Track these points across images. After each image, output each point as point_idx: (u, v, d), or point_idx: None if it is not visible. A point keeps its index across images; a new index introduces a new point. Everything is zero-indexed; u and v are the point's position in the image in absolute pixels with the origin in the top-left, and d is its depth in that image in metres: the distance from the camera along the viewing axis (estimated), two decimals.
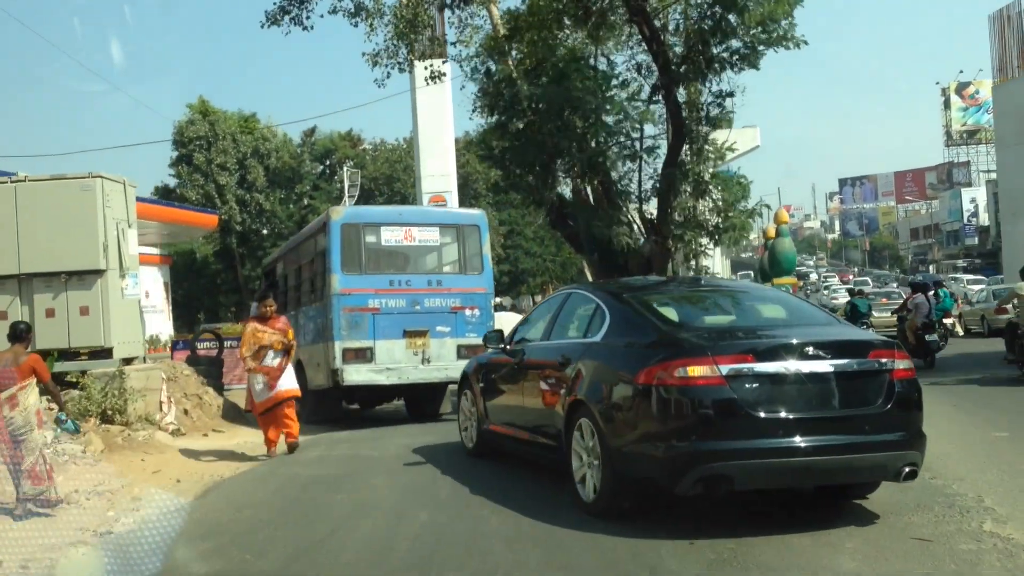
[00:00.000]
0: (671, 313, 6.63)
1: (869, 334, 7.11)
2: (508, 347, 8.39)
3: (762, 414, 5.58)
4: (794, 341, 5.92)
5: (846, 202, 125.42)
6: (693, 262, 16.43)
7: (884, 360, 5.97)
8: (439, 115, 30.26)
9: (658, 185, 16.19)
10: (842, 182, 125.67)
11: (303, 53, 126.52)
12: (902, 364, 6.05)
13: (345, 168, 45.33)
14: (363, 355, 12.06)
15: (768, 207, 16.36)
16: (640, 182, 16.65)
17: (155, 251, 50.00)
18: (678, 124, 15.81)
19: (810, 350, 5.80)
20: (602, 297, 7.09)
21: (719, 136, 16.09)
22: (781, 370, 5.69)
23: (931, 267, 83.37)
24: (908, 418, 5.99)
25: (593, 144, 15.84)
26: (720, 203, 15.88)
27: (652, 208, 16.88)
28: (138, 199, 36.18)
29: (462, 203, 54.32)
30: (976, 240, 78.81)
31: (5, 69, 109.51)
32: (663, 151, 16.63)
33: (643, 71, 16.00)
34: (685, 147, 16.09)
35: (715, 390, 5.58)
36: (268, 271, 17.83)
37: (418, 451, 9.73)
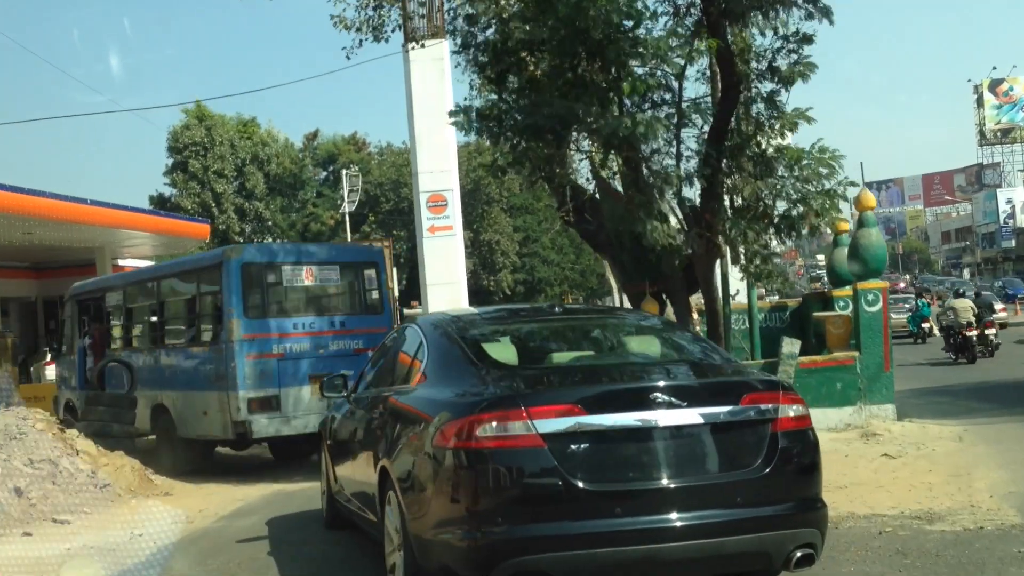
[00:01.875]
0: (502, 353, 5.36)
1: (745, 374, 5.48)
2: (353, 395, 6.98)
3: (592, 486, 4.37)
4: (639, 385, 4.85)
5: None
6: (751, 265, 12.04)
7: (763, 407, 4.69)
8: (437, 103, 25.81)
9: (704, 162, 11.78)
10: (867, 186, 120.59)
11: (305, 56, 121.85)
12: (792, 411, 4.75)
13: (344, 172, 41.08)
14: (269, 404, 11.14)
15: (853, 183, 11.95)
16: (679, 157, 12.26)
17: (151, 263, 46.46)
18: (730, 79, 11.43)
19: (659, 396, 4.57)
20: (427, 333, 5.82)
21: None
22: (618, 424, 4.47)
23: (965, 271, 78.80)
24: (798, 483, 4.75)
25: (616, 108, 11.46)
26: (792, 184, 11.46)
27: (695, 194, 12.51)
28: (124, 208, 32.57)
29: (472, 210, 50.43)
30: (1013, 242, 74.19)
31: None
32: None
33: (681, 11, 11.64)
34: (741, 111, 11.72)
35: (530, 454, 4.37)
36: (85, 299, 15.80)
37: (274, 521, 8.52)
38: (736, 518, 4.52)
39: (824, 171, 11.22)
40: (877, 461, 9.46)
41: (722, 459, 4.65)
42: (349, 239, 40.36)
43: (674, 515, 4.43)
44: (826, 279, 18.69)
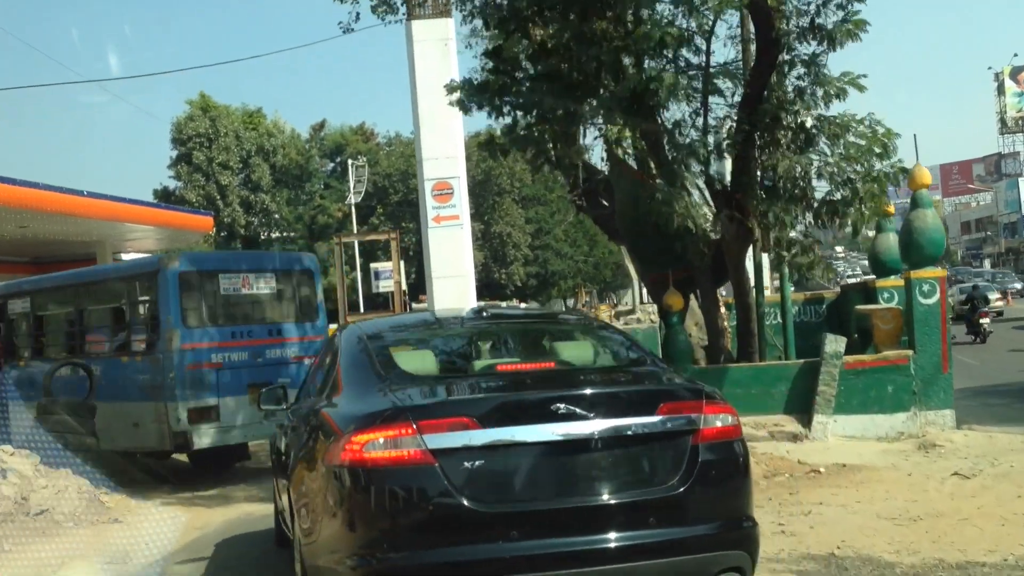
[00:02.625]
0: (415, 362, 4.88)
1: (667, 381, 4.79)
2: (289, 408, 6.27)
3: (487, 507, 3.98)
4: (541, 396, 4.29)
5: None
6: (788, 254, 10.48)
7: (682, 417, 4.22)
8: (443, 84, 24.37)
9: (735, 133, 10.24)
10: None
11: (312, 46, 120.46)
12: (718, 421, 4.28)
13: (350, 162, 39.60)
14: (208, 415, 10.91)
15: (904, 168, 10.30)
16: (706, 128, 10.72)
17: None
18: (767, 35, 9.88)
19: (564, 407, 4.09)
20: (344, 342, 5.25)
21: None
22: (516, 439, 4.04)
23: (986, 261, 76.78)
24: (722, 500, 4.30)
25: (632, 67, 9.93)
26: (835, 163, 9.88)
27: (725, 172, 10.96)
28: (122, 200, 31.16)
29: (483, 201, 48.90)
30: None
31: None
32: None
33: None
34: (776, 79, 10.18)
35: (419, 473, 3.97)
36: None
37: (226, 542, 7.72)
38: (648, 540, 4.10)
39: (876, 150, 9.62)
40: (949, 482, 7.91)
41: (634, 475, 4.22)
42: (356, 231, 38.91)
43: (578, 538, 4.04)
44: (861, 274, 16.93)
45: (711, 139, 10.59)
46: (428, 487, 3.98)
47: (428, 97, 24.45)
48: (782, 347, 12.52)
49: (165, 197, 45.16)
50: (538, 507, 4.05)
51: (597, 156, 13.28)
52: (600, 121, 11.11)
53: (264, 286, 11.97)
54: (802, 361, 10.80)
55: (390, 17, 14.40)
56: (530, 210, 52.75)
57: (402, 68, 24.37)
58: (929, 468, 8.61)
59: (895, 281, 12.95)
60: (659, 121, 10.61)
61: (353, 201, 38.29)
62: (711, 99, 10.63)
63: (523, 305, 54.79)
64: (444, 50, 23.70)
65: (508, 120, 11.14)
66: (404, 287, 35.02)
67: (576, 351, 5.22)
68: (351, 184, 38.01)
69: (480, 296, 43.40)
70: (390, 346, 5.08)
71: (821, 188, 10.28)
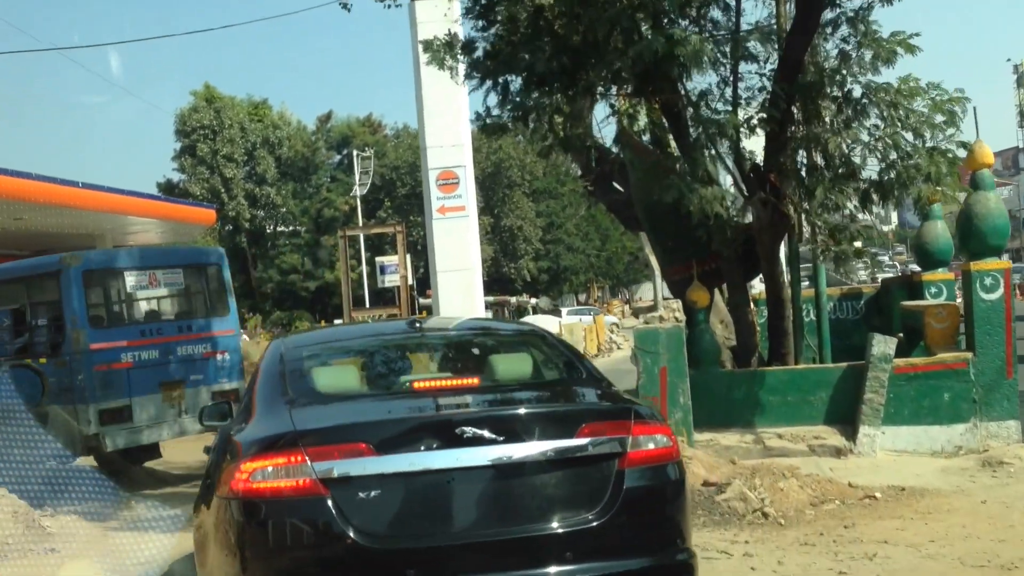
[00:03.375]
0: (331, 380, 4.48)
1: (590, 400, 4.45)
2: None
3: (381, 543, 3.64)
4: (446, 417, 3.94)
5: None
6: (831, 242, 9.15)
7: (606, 440, 3.81)
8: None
9: (770, 105, 8.89)
10: None
11: (320, 35, 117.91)
12: (650, 443, 3.89)
13: (356, 153, 38.35)
14: (120, 415, 10.73)
15: (964, 143, 8.93)
16: (736, 101, 9.37)
17: None
18: None
19: (470, 431, 3.69)
20: (266, 357, 4.83)
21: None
22: (416, 467, 3.67)
23: (1004, 256, 74.90)
24: (652, 531, 3.94)
25: (649, 30, 8.60)
26: (891, 133, 8.52)
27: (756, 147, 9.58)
28: (120, 192, 29.97)
29: (493, 194, 47.60)
30: None
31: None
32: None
33: None
34: (824, 37, 8.85)
35: (308, 505, 3.63)
36: None
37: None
38: None
39: (940, 119, 8.26)
40: None
41: (550, 505, 3.81)
42: (361, 224, 37.66)
43: None
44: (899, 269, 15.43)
45: (741, 113, 9.23)
46: (317, 521, 3.65)
47: (432, 82, 23.16)
48: (816, 347, 11.16)
49: (169, 190, 44.15)
50: (439, 543, 3.72)
51: (611, 137, 11.97)
52: (612, 93, 9.78)
53: (172, 282, 11.86)
54: (845, 365, 9.45)
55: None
56: (541, 203, 51.51)
57: (409, 56, 23.08)
58: (1004, 493, 7.27)
59: (944, 275, 11.57)
60: (681, 92, 9.28)
61: (359, 193, 37.10)
62: (742, 66, 9.28)
63: (541, 301, 53.46)
64: (450, 31, 22.23)
65: (502, 92, 9.78)
66: (411, 282, 33.82)
67: (509, 365, 4.73)
68: (357, 175, 36.76)
69: (489, 291, 42.27)
70: (310, 363, 4.71)
71: (870, 167, 8.93)
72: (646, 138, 11.21)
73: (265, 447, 3.77)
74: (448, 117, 23.57)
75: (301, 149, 46.54)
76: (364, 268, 37.08)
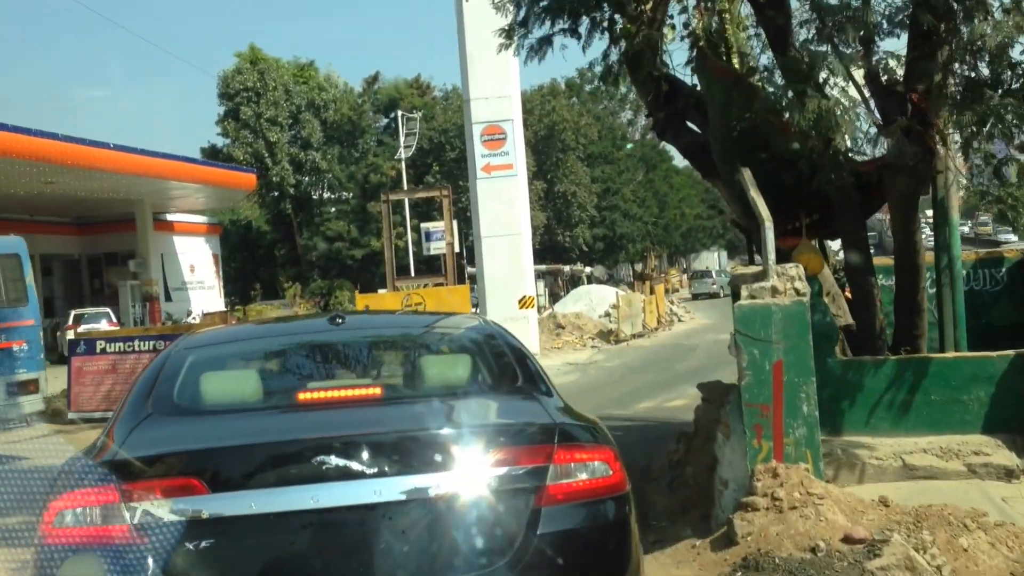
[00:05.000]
0: (216, 388, 3.76)
1: (523, 412, 3.55)
2: None
3: None
4: (307, 443, 3.08)
5: None
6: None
7: (518, 469, 3.06)
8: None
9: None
10: None
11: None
12: (581, 471, 3.14)
13: (400, 113, 36.05)
14: None
15: None
16: None
17: (201, 219, 42.38)
18: None
19: (332, 463, 2.94)
20: (159, 357, 4.12)
21: None
22: (257, 509, 2.88)
23: None
24: None
25: None
26: None
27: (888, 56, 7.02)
28: (158, 155, 28.17)
29: (546, 158, 44.99)
30: None
31: (47, 31, 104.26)
32: None
33: None
34: None
35: (118, 558, 2.87)
36: None
37: None
38: None
39: None
40: None
41: (439, 557, 2.96)
42: (406, 187, 35.44)
43: None
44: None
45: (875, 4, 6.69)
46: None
47: (476, 27, 20.71)
48: (951, 326, 8.56)
49: (213, 156, 42.45)
50: None
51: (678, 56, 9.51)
52: None
53: None
54: (1012, 353, 6.89)
55: None
56: (596, 168, 48.84)
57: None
58: None
59: None
60: None
61: (404, 155, 34.81)
62: None
63: (596, 270, 50.96)
64: None
65: None
66: (458, 249, 31.62)
67: (432, 372, 3.95)
68: (402, 137, 34.50)
69: (541, 260, 39.94)
70: (193, 368, 3.86)
71: None
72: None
73: (76, 480, 3.05)
74: (494, 65, 21.11)
75: (347, 112, 44.44)
76: (409, 235, 34.92)
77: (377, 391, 3.71)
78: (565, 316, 25.81)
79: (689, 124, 9.96)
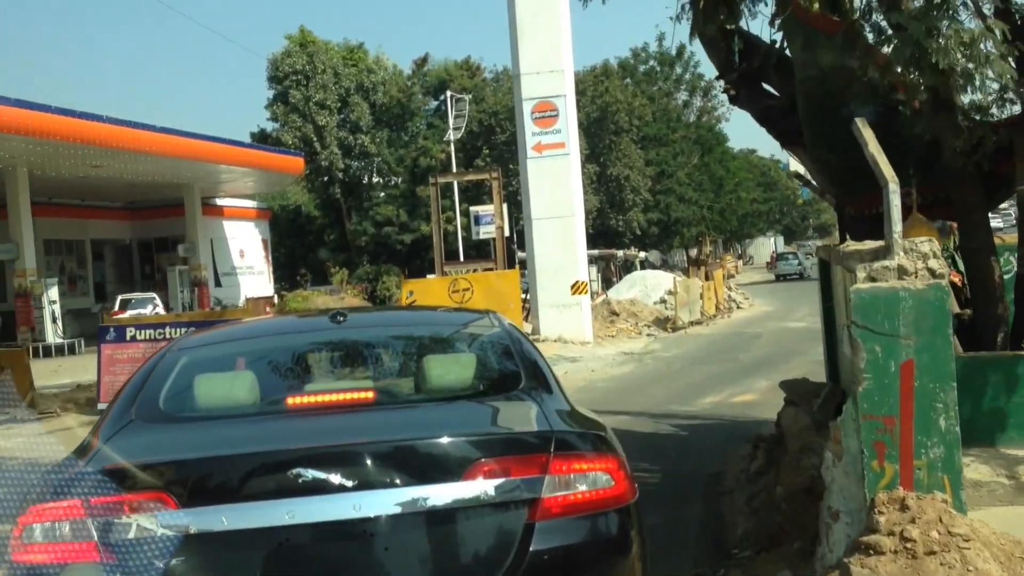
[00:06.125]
0: (210, 391, 3.56)
1: (518, 420, 3.37)
2: None
3: None
4: (290, 455, 2.89)
5: None
6: None
7: (510, 482, 2.88)
8: None
9: None
10: None
11: None
12: (579, 482, 2.95)
13: (449, 94, 35.03)
14: None
15: None
16: None
17: (251, 204, 41.90)
18: None
19: (308, 475, 2.79)
20: (156, 355, 4.02)
21: None
22: (234, 525, 2.75)
23: None
24: None
25: None
26: None
27: None
28: (204, 138, 27.66)
29: (599, 140, 43.63)
30: None
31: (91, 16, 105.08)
32: None
33: None
34: None
35: (86, 572, 2.75)
36: None
37: None
38: None
39: None
40: None
41: (425, 575, 2.81)
42: (455, 169, 34.45)
43: None
44: None
45: None
46: None
47: None
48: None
49: (262, 140, 41.98)
50: None
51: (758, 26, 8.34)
52: None
53: None
54: None
55: None
56: (651, 151, 47.37)
57: None
58: None
59: None
60: None
61: (453, 137, 33.79)
62: None
63: (650, 254, 49.55)
64: None
65: None
66: (508, 233, 30.56)
67: (431, 373, 3.61)
68: (451, 119, 33.49)
69: (594, 244, 38.68)
70: (185, 370, 3.72)
71: None
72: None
73: (44, 493, 2.85)
74: (546, 37, 19.95)
75: (396, 95, 43.54)
76: (459, 220, 33.96)
77: (369, 395, 3.55)
78: (619, 303, 24.61)
79: (766, 87, 8.85)
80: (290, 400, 3.46)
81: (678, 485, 7.54)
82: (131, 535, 2.74)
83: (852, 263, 4.31)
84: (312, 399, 3.43)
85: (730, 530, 6.06)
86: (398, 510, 2.78)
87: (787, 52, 8.11)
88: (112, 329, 13.48)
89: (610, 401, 12.24)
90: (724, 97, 9.20)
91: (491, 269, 25.46)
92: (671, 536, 6.19)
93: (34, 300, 26.41)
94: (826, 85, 6.99)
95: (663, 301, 26.08)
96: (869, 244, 4.48)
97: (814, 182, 9.24)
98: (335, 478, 2.79)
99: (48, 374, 20.79)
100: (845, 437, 4.28)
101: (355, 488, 2.78)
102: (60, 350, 25.98)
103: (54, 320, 26.82)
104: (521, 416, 3.38)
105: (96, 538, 2.74)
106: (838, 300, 6.27)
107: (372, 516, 2.78)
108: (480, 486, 2.84)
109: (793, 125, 8.24)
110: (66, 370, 21.65)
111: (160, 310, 28.06)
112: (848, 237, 7.40)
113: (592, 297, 24.31)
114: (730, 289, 32.39)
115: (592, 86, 42.98)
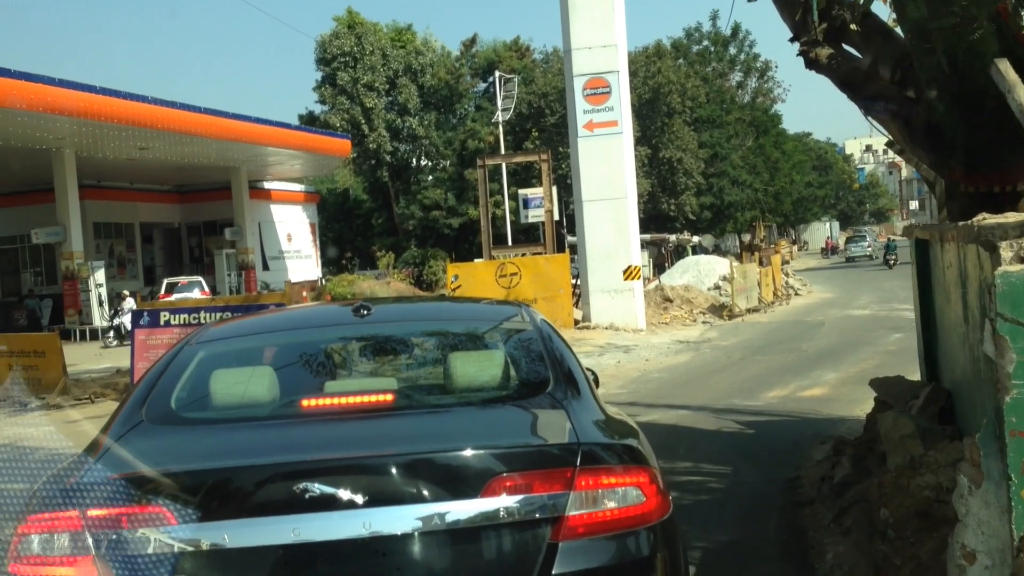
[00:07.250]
0: (227, 388, 3.42)
1: (530, 432, 3.21)
2: None
3: None
4: (297, 467, 2.74)
5: None
6: None
7: (532, 498, 2.70)
8: None
9: None
10: None
11: None
12: (607, 498, 2.76)
13: (497, 74, 34.18)
14: None
15: None
16: None
17: (299, 188, 41.58)
18: None
19: (315, 490, 2.64)
20: (174, 348, 3.86)
21: None
22: (236, 543, 2.61)
23: None
24: None
25: None
26: None
27: None
28: (251, 120, 27.17)
29: (651, 123, 42.45)
30: None
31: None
32: None
33: None
34: None
35: None
36: None
37: None
38: None
39: None
40: None
41: None
42: (503, 152, 33.65)
43: None
44: None
45: None
46: None
47: None
48: None
49: (310, 122, 41.60)
50: None
51: None
52: None
53: None
54: None
55: None
56: (704, 133, 46.04)
57: None
58: None
59: None
60: None
61: (501, 119, 32.97)
62: None
63: (704, 239, 48.29)
64: None
65: None
66: (557, 216, 29.71)
67: (455, 371, 3.44)
68: (499, 100, 32.67)
69: (645, 229, 37.61)
70: (201, 366, 3.59)
71: None
72: None
73: (44, 502, 2.72)
74: (598, 11, 18.92)
75: (444, 77, 42.83)
76: (507, 204, 33.17)
77: (388, 398, 3.38)
78: (673, 288, 23.65)
79: (847, 48, 7.89)
80: (305, 403, 3.36)
81: (749, 493, 6.70)
82: (129, 551, 2.63)
83: (994, 239, 3.42)
84: (328, 401, 3.31)
85: (816, 553, 5.20)
86: (410, 529, 2.64)
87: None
88: (146, 314, 12.96)
89: (666, 394, 11.40)
90: (780, 78, 8.26)
91: (540, 253, 24.66)
92: (744, 557, 5.38)
93: (81, 283, 26.26)
94: (961, 34, 6.04)
95: (717, 287, 25.07)
96: (1014, 216, 3.58)
97: (913, 156, 8.26)
98: (344, 493, 2.64)
99: (92, 357, 20.54)
100: (985, 458, 3.40)
101: (366, 504, 2.63)
102: (107, 333, 25.83)
103: (100, 303, 26.65)
104: (546, 424, 3.17)
105: (93, 552, 2.63)
106: (943, 286, 5.37)
107: (383, 535, 2.63)
108: (499, 503, 2.67)
109: (879, 90, 7.32)
110: (109, 354, 21.38)
111: (205, 294, 27.79)
112: (951, 215, 6.46)
113: (644, 283, 23.38)
114: (787, 275, 31.19)
115: (644, 67, 41.82)
